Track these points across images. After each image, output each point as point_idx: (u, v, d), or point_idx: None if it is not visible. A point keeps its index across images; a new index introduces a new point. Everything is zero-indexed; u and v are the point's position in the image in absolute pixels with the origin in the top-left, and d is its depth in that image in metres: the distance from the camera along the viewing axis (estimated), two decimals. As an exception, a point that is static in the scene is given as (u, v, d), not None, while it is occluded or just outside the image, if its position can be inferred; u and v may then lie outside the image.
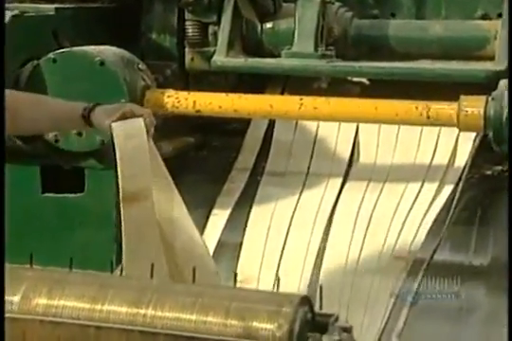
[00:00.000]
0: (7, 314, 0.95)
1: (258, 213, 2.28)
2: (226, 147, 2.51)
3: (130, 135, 1.52)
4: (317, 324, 0.95)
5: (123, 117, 1.54)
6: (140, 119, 1.54)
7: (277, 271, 2.15)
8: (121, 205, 1.48)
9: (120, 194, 1.49)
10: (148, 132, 1.54)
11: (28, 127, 1.66)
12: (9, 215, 2.30)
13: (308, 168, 2.36)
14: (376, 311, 2.03)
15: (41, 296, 0.97)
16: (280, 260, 2.18)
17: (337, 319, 0.96)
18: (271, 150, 2.42)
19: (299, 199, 2.29)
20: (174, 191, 1.57)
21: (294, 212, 2.26)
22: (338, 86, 2.43)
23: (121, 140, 1.51)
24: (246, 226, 2.25)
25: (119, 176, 1.50)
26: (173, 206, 1.56)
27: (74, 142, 2.19)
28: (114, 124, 1.53)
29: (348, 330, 0.95)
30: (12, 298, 0.97)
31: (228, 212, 2.30)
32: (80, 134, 2.18)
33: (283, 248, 2.20)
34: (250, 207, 2.30)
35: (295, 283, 2.07)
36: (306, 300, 0.95)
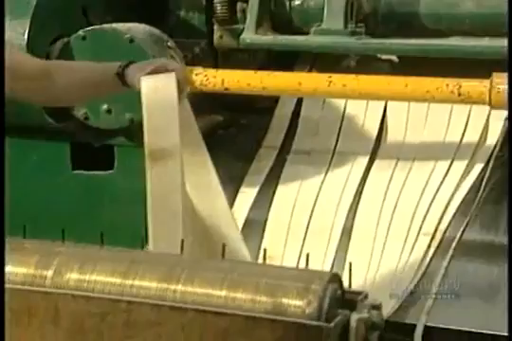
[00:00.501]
0: (40, 289, 0.97)
1: (283, 191, 2.28)
2: (254, 125, 2.51)
3: (158, 89, 1.46)
4: (346, 301, 0.96)
5: (155, 72, 1.49)
6: (172, 74, 1.47)
7: (301, 249, 2.16)
8: (146, 162, 1.42)
9: (146, 151, 1.43)
10: (181, 88, 1.47)
11: (64, 95, 1.62)
12: (40, 192, 2.34)
13: (335, 146, 2.35)
14: (402, 289, 2.03)
15: (73, 271, 0.99)
16: (304, 239, 2.19)
17: (366, 297, 0.96)
18: (298, 128, 2.41)
19: (324, 177, 2.29)
20: (205, 154, 1.51)
21: (319, 191, 2.26)
22: (367, 64, 2.41)
23: (149, 94, 1.45)
24: (271, 205, 2.26)
25: (145, 132, 1.43)
26: (202, 169, 1.49)
27: (104, 119, 2.20)
28: (143, 77, 1.48)
29: (377, 307, 0.95)
30: (45, 273, 0.98)
31: (255, 190, 2.30)
32: (109, 111, 2.19)
33: (308, 226, 2.21)
34: (277, 186, 2.30)
35: (319, 261, 2.08)
36: (336, 277, 0.95)
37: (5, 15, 1.94)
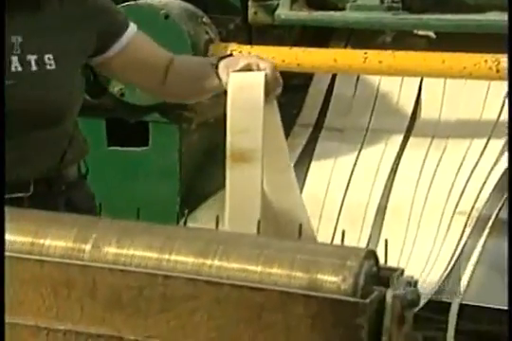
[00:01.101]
0: (78, 262, 0.98)
1: (317, 169, 2.27)
2: (288, 103, 2.49)
3: (244, 87, 1.38)
4: (381, 278, 0.95)
5: (247, 69, 1.40)
6: (262, 73, 1.38)
7: (335, 226, 2.16)
8: (227, 162, 1.35)
9: (228, 152, 1.35)
10: (269, 88, 1.38)
11: (183, 89, 1.55)
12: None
13: (368, 123, 2.33)
14: (437, 267, 2.02)
15: (111, 245, 0.99)
16: (338, 216, 2.18)
17: (402, 273, 0.96)
18: (330, 105, 2.40)
19: (358, 155, 2.28)
20: (287, 159, 1.45)
21: (353, 168, 2.25)
22: (404, 40, 2.37)
23: (234, 91, 1.37)
24: (305, 182, 2.26)
25: (228, 130, 1.36)
26: (282, 173, 1.42)
27: (139, 96, 2.21)
28: (232, 74, 1.40)
29: (413, 284, 0.94)
30: (84, 247, 0.99)
31: (289, 167, 2.30)
32: (144, 87, 2.19)
33: (342, 204, 2.20)
34: (310, 163, 2.30)
35: (354, 239, 2.07)
36: (372, 254, 0.95)
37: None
